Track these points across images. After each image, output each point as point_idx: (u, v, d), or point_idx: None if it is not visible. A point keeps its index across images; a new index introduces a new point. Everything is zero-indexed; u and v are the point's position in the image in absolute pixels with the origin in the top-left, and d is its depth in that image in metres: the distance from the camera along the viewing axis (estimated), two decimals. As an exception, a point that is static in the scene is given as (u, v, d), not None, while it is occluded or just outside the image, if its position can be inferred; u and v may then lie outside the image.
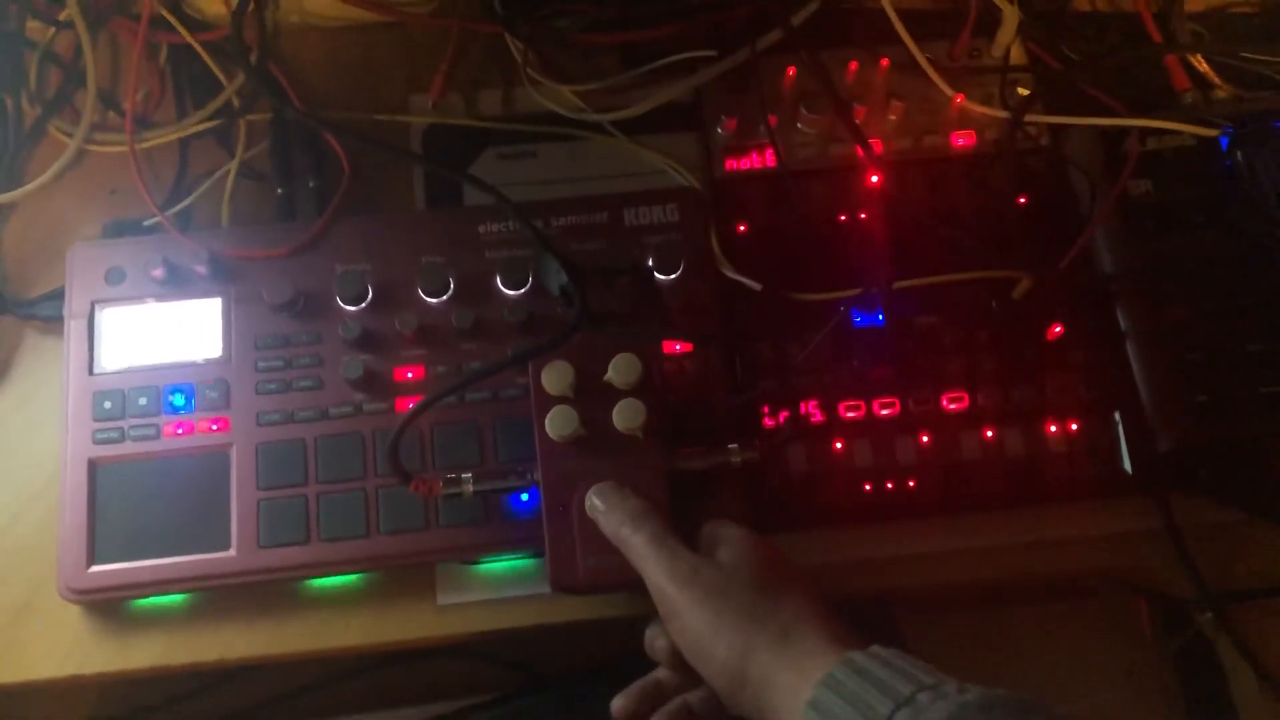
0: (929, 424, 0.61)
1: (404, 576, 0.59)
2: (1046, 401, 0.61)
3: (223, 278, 0.62)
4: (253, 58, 0.69)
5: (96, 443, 0.58)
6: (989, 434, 0.61)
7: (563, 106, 0.69)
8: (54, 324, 0.63)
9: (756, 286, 0.62)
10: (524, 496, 0.57)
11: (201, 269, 0.61)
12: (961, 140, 0.67)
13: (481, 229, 0.63)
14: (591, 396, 0.55)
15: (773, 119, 0.66)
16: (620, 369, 0.55)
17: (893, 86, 0.68)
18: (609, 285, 0.61)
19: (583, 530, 0.54)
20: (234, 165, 0.68)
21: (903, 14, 0.65)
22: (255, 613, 0.58)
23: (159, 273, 0.61)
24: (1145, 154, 0.64)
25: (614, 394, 0.55)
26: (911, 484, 0.60)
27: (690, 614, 0.48)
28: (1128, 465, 0.60)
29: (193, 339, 0.61)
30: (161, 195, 0.67)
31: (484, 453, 0.59)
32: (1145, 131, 0.64)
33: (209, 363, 0.60)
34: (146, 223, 0.65)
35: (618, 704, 0.52)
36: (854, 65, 0.68)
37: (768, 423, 0.60)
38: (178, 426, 0.59)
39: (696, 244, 0.63)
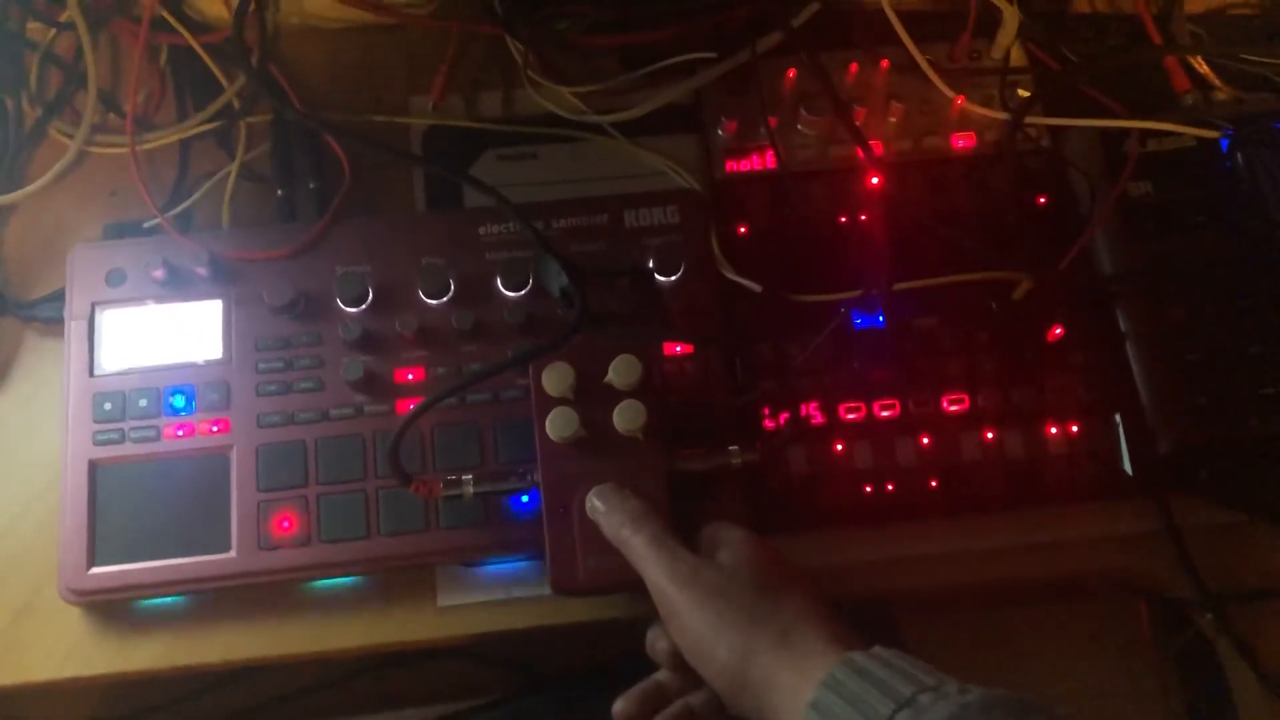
0: (929, 425, 0.60)
1: (404, 578, 0.59)
2: (1047, 403, 0.61)
3: (223, 279, 0.62)
4: (253, 59, 0.69)
5: (97, 444, 0.58)
6: (989, 435, 0.61)
7: (563, 108, 0.69)
8: (54, 325, 0.63)
9: (757, 288, 0.62)
10: (524, 498, 0.57)
11: (202, 270, 0.61)
12: (961, 142, 0.67)
13: (482, 230, 0.63)
14: (592, 398, 0.55)
15: (773, 121, 0.66)
16: (620, 370, 0.55)
17: (893, 88, 0.68)
18: (609, 287, 0.61)
19: (583, 531, 0.54)
20: (234, 167, 0.68)
21: (903, 15, 0.66)
22: (256, 614, 0.58)
23: (159, 274, 0.61)
24: (1145, 155, 0.64)
25: (614, 395, 0.55)
26: (912, 485, 0.60)
27: (691, 615, 0.48)
28: (1128, 466, 0.60)
29: (193, 340, 0.61)
30: (162, 197, 0.67)
31: (484, 454, 0.59)
32: (1145, 133, 0.64)
33: (209, 364, 0.60)
34: (147, 224, 0.65)
35: (619, 707, 0.52)
36: (854, 67, 0.68)
37: (768, 424, 0.60)
38: (178, 428, 0.59)
39: (697, 245, 0.63)
